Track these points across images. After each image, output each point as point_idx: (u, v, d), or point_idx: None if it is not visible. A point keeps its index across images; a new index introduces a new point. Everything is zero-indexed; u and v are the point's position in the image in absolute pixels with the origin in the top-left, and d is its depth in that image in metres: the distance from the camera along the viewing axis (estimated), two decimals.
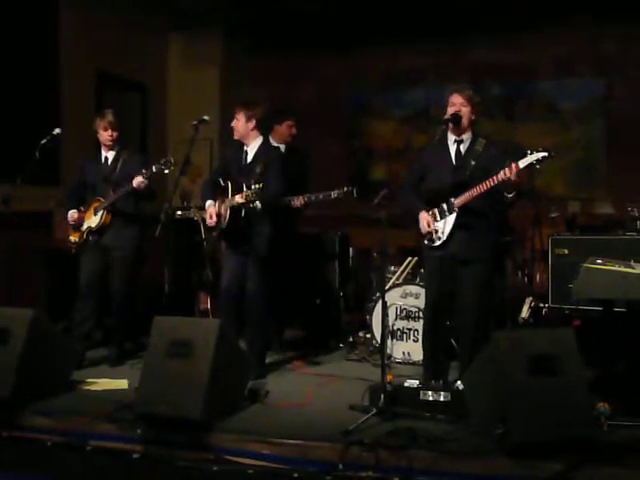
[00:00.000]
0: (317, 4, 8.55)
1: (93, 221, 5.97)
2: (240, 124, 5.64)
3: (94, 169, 6.08)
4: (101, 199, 5.95)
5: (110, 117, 5.97)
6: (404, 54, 8.99)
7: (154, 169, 5.62)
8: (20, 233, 5.89)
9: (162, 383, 4.35)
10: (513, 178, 4.54)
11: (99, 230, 5.96)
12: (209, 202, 5.69)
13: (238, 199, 5.35)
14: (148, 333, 4.62)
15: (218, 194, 5.67)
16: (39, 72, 7.39)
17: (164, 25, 9.23)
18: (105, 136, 5.99)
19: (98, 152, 6.11)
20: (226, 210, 5.53)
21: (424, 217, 4.98)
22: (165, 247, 5.60)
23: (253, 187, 5.23)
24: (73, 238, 6.10)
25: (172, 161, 5.61)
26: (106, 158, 6.08)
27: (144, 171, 5.66)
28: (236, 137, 5.71)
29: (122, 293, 5.99)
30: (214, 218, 5.62)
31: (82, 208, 6.08)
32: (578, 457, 3.67)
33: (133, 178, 5.73)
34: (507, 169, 4.54)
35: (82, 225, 6.04)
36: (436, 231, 4.95)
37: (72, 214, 6.08)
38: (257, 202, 5.30)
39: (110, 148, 6.06)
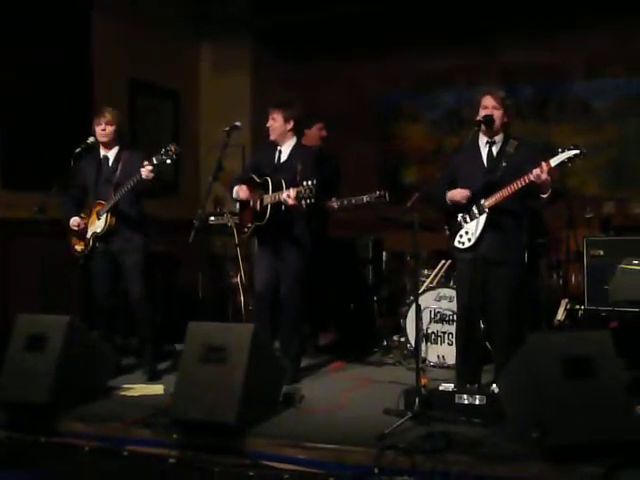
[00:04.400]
0: (347, 7, 8.54)
1: (97, 226, 5.63)
2: (278, 124, 5.57)
3: (93, 170, 5.74)
4: (102, 202, 5.60)
5: (105, 112, 5.65)
6: (434, 56, 8.91)
7: (155, 160, 5.24)
8: (56, 241, 5.89)
9: (197, 388, 4.37)
10: (544, 177, 4.50)
11: (105, 235, 5.62)
12: (240, 186, 5.61)
13: (287, 197, 5.12)
14: (182, 339, 4.66)
15: (251, 188, 5.57)
16: (72, 80, 7.45)
17: (195, 32, 9.30)
18: (98, 131, 5.66)
19: (96, 153, 5.79)
20: (267, 206, 5.38)
21: (457, 191, 4.93)
22: (199, 253, 5.59)
23: (306, 183, 5.00)
24: (79, 247, 5.78)
25: (173, 149, 5.23)
26: (106, 158, 5.75)
27: (147, 162, 5.27)
28: (273, 138, 5.62)
29: (143, 300, 5.71)
30: (246, 194, 5.54)
31: (83, 215, 5.76)
32: (617, 460, 3.62)
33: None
34: (538, 168, 4.52)
35: (86, 232, 5.71)
36: (467, 232, 4.93)
37: (76, 220, 5.73)
38: (309, 199, 5.00)
39: (108, 146, 5.72)
